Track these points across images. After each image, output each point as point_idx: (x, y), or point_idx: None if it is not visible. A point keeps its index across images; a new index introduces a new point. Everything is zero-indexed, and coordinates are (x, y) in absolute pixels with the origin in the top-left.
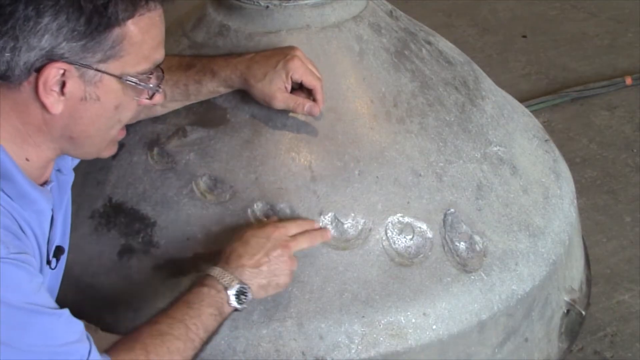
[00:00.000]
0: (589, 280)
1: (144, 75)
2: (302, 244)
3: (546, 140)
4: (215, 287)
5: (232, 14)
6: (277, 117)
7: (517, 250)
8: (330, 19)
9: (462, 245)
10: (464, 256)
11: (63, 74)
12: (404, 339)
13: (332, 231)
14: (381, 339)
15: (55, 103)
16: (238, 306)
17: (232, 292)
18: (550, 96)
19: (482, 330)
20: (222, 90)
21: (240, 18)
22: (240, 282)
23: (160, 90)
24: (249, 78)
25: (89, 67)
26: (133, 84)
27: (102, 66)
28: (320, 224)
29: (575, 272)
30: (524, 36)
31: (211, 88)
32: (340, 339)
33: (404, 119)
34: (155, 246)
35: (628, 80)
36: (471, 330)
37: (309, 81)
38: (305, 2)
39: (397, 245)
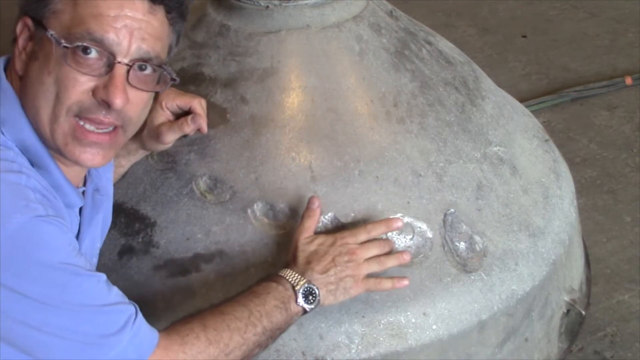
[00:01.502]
0: (589, 280)
1: (72, 38)
2: (371, 251)
3: (546, 140)
4: (284, 285)
5: (232, 14)
6: (277, 117)
7: (517, 250)
8: (330, 19)
9: (462, 245)
10: (464, 256)
11: (30, 35)
12: (404, 339)
13: (332, 231)
14: (381, 339)
15: (19, 62)
16: (306, 305)
17: (299, 290)
18: (550, 96)
19: (482, 330)
20: (136, 158)
21: (240, 18)
22: (309, 282)
23: (81, 52)
24: (140, 136)
25: (34, 19)
26: (52, 38)
27: (44, 21)
28: (320, 224)
29: (575, 272)
30: (524, 36)
31: (125, 163)
32: (340, 339)
33: (404, 119)
34: (155, 246)
35: (628, 80)
36: (471, 330)
37: (184, 102)
38: (305, 2)
39: (397, 245)
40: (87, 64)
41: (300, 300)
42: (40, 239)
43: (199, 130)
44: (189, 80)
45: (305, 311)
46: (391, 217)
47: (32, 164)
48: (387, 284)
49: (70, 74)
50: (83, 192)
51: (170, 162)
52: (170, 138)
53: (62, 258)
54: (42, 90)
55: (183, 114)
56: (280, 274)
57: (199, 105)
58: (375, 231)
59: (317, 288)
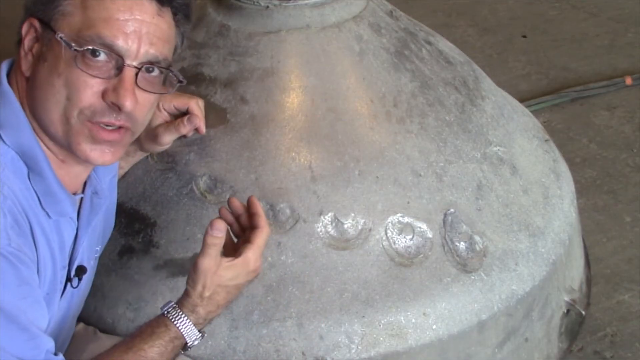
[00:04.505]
0: (589, 280)
1: (82, 42)
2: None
3: (546, 140)
4: (181, 340)
5: (232, 14)
6: (277, 117)
7: (517, 250)
8: (330, 19)
9: (462, 245)
10: (464, 256)
11: (36, 37)
12: (404, 339)
13: (332, 231)
14: (381, 339)
15: (25, 63)
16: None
17: (192, 345)
18: (550, 96)
19: (482, 330)
20: (135, 160)
21: (240, 18)
22: (203, 331)
23: (91, 55)
24: (138, 138)
25: (42, 21)
26: (61, 41)
27: (52, 23)
28: (320, 224)
29: (575, 272)
30: (524, 36)
31: (124, 165)
32: (340, 339)
33: (404, 119)
34: (155, 246)
35: (628, 80)
36: (471, 330)
37: (181, 102)
38: (305, 2)
39: (397, 245)
40: (97, 66)
41: (191, 347)
42: None
43: (197, 130)
44: (189, 80)
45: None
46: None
47: (29, 168)
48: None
49: (80, 77)
50: (81, 199)
51: (170, 162)
52: (167, 139)
53: (4, 297)
54: (52, 92)
55: (181, 115)
56: (181, 330)
57: (196, 105)
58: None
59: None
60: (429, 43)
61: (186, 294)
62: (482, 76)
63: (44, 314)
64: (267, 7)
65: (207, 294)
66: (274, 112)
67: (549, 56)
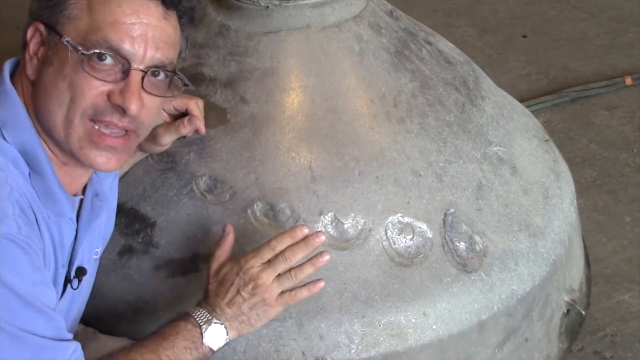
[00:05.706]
0: (589, 280)
1: (89, 45)
2: (278, 268)
3: (546, 140)
4: (191, 322)
5: (232, 14)
6: (277, 117)
7: (517, 250)
8: (330, 19)
9: (462, 245)
10: (464, 256)
11: (41, 40)
12: (404, 339)
13: (332, 231)
14: (381, 339)
15: (30, 67)
16: (212, 345)
17: (205, 330)
18: (550, 96)
19: (482, 330)
20: (134, 161)
21: (240, 18)
22: (216, 320)
23: (97, 60)
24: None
25: (48, 25)
26: (68, 45)
27: (58, 27)
28: (320, 224)
29: (575, 272)
30: (524, 36)
31: (124, 165)
32: (340, 339)
33: (404, 119)
34: (155, 246)
35: (628, 80)
36: (471, 330)
37: (180, 103)
38: (305, 2)
39: (397, 245)
40: (103, 70)
41: (207, 340)
42: (6, 259)
43: (196, 131)
44: (189, 80)
45: (213, 350)
46: (299, 225)
47: (30, 168)
48: (302, 293)
49: (85, 79)
50: (81, 200)
51: (170, 162)
52: (167, 140)
53: (20, 283)
54: (56, 94)
55: (180, 116)
56: (189, 311)
57: (195, 106)
58: (280, 245)
59: (225, 326)
60: (429, 43)
61: None
62: (482, 76)
63: (54, 296)
64: (267, 7)
65: (213, 278)
66: (274, 112)
67: (549, 56)
